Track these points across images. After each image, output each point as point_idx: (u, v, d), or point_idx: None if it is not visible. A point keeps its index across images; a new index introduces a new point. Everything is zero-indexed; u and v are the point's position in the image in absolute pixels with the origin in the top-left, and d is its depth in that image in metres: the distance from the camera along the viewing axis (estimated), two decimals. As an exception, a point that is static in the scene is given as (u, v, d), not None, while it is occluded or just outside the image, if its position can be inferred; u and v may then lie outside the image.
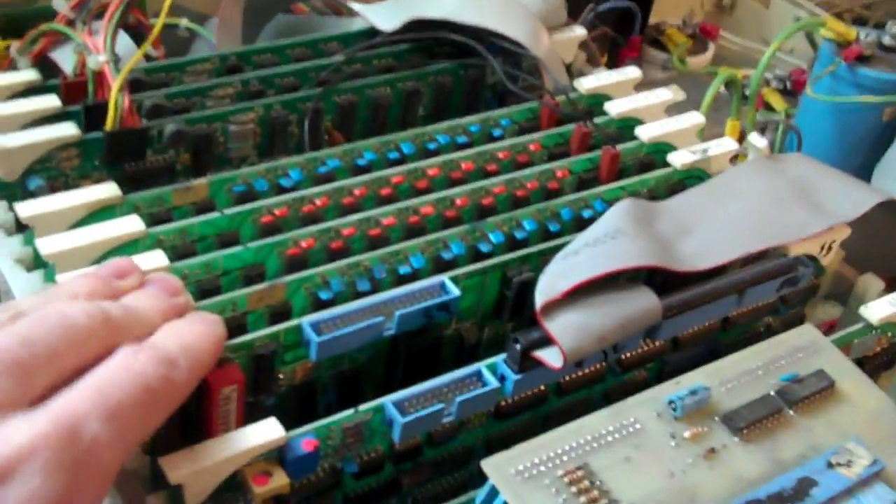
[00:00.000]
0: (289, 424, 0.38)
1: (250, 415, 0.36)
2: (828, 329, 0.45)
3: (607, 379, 0.41)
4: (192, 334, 0.32)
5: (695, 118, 0.50)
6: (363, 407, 0.35)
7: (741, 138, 0.58)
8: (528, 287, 0.41)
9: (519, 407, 0.39)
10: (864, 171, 0.61)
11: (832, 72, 0.59)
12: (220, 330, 0.33)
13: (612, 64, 0.65)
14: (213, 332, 0.33)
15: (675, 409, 0.34)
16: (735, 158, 0.49)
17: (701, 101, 0.69)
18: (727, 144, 0.49)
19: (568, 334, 0.35)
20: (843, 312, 0.47)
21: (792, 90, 0.71)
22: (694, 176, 0.48)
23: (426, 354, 0.40)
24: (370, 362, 0.40)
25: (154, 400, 0.30)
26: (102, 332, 0.30)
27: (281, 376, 0.37)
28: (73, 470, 0.26)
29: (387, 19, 0.53)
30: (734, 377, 0.36)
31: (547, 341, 0.36)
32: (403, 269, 0.40)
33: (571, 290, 0.36)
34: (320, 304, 0.39)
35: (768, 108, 0.69)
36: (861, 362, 0.41)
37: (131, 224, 0.39)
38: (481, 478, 0.39)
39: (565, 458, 0.33)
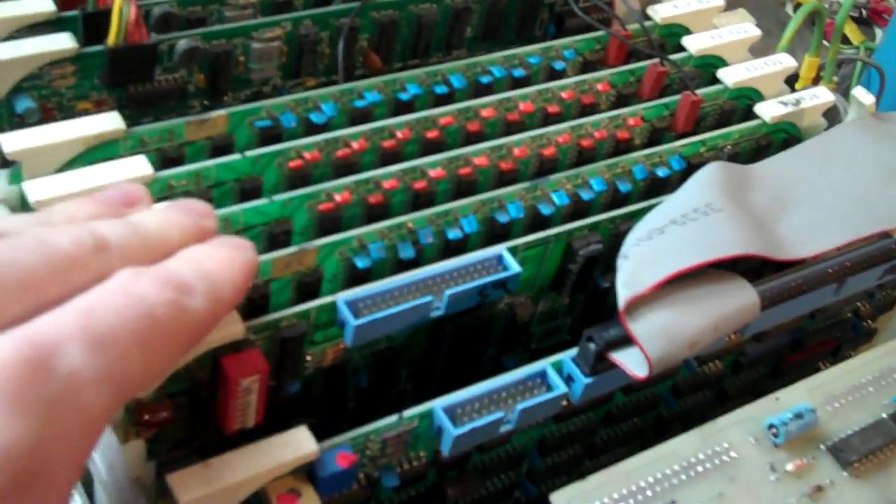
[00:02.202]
0: (314, 410, 0.33)
1: (271, 401, 0.31)
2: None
3: (679, 372, 0.36)
4: (213, 259, 0.25)
5: (784, 61, 0.44)
6: (408, 413, 0.29)
7: (817, 78, 0.52)
8: (595, 261, 0.36)
9: (581, 407, 0.34)
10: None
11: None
12: (250, 255, 0.26)
13: (676, -19, 0.58)
14: (242, 257, 0.26)
15: (776, 436, 0.29)
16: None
17: (770, 26, 0.62)
18: (822, 95, 0.42)
19: (656, 339, 0.29)
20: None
21: (868, 20, 0.64)
22: (782, 129, 0.42)
23: (474, 334, 0.35)
24: (409, 340, 0.34)
25: (160, 332, 0.22)
26: (95, 260, 0.23)
27: (308, 359, 0.32)
28: (44, 411, 0.20)
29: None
30: (841, 395, 0.31)
31: (625, 340, 0.30)
32: (453, 234, 0.35)
33: (661, 284, 0.30)
34: (356, 273, 0.33)
35: (842, 40, 0.62)
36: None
37: (137, 166, 0.33)
38: (531, 481, 0.34)
39: (649, 492, 0.27)
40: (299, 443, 0.28)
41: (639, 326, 0.29)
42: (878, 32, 0.64)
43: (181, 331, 0.23)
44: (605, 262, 0.35)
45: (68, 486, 0.21)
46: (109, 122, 0.34)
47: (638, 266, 0.31)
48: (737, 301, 0.31)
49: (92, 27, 0.37)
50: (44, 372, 0.20)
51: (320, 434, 0.29)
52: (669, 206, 0.34)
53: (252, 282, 0.30)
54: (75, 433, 0.21)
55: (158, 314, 0.22)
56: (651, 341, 0.29)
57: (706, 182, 0.35)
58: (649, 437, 0.37)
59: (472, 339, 0.35)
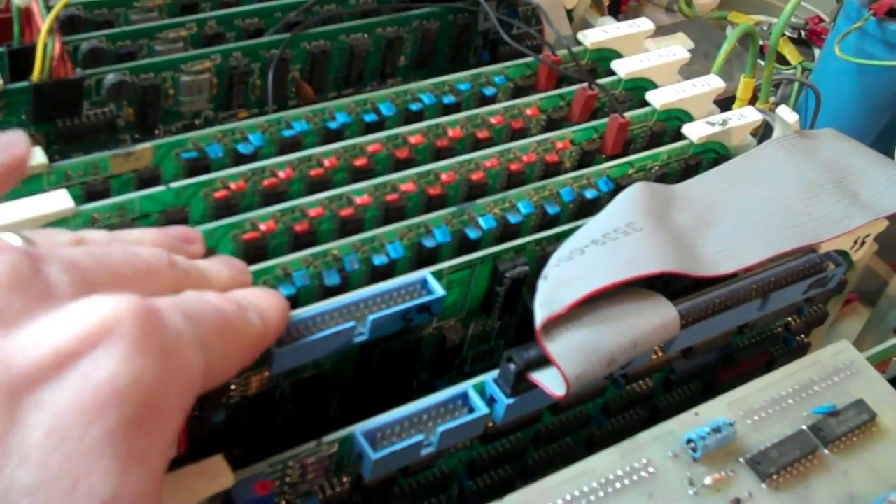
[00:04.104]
0: (242, 440, 0.33)
1: (196, 433, 0.31)
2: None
3: (608, 391, 0.36)
4: (257, 295, 0.29)
5: (713, 82, 0.44)
6: (328, 438, 0.29)
7: (754, 99, 0.53)
8: (522, 283, 0.36)
9: (508, 427, 0.34)
10: (887, 136, 0.56)
11: (859, 27, 0.53)
12: (282, 299, 0.29)
13: (615, 7, 0.59)
14: (278, 298, 0.29)
15: (694, 450, 0.29)
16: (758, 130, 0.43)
17: (709, 49, 0.63)
18: (749, 115, 0.43)
19: (572, 358, 0.29)
20: (872, 314, 0.42)
21: (807, 40, 0.65)
22: (711, 150, 0.43)
23: (401, 358, 0.35)
24: (337, 367, 0.34)
25: (231, 328, 0.26)
26: (169, 272, 0.27)
27: (233, 388, 0.32)
28: (160, 356, 0.22)
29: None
30: (761, 408, 0.31)
31: (545, 360, 0.30)
32: (379, 260, 0.35)
33: (577, 303, 0.30)
34: (281, 301, 0.33)
35: (781, 60, 0.63)
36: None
37: (58, 200, 0.33)
38: (462, 505, 0.34)
39: (566, 510, 0.27)
40: (214, 472, 0.27)
41: (555, 345, 0.30)
42: (817, 52, 0.65)
43: (244, 336, 0.27)
44: (533, 284, 0.36)
45: (175, 430, 0.23)
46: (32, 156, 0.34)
47: (555, 286, 0.31)
48: (655, 318, 0.31)
49: (18, 64, 0.37)
50: (158, 324, 0.23)
51: (250, 464, 0.29)
52: (592, 227, 0.34)
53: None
54: (180, 383, 0.23)
55: (227, 313, 0.26)
56: (568, 359, 0.29)
57: (629, 202, 0.35)
58: (582, 458, 0.37)
59: (399, 363, 0.35)
